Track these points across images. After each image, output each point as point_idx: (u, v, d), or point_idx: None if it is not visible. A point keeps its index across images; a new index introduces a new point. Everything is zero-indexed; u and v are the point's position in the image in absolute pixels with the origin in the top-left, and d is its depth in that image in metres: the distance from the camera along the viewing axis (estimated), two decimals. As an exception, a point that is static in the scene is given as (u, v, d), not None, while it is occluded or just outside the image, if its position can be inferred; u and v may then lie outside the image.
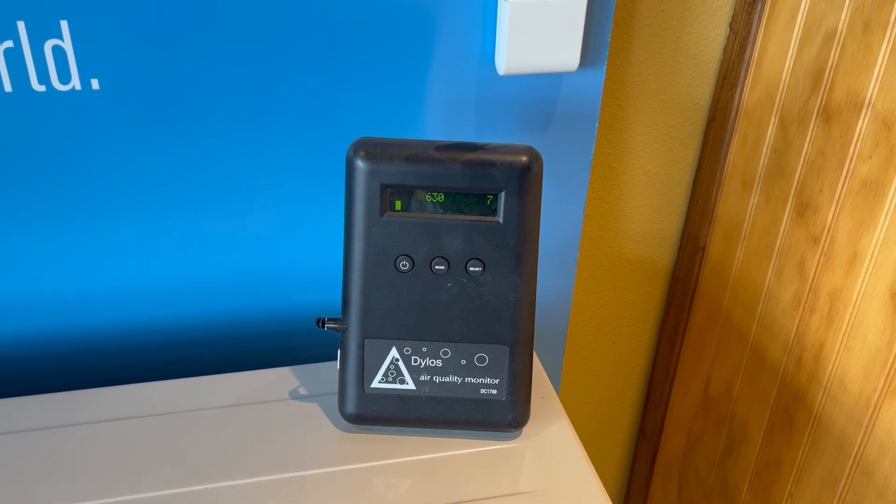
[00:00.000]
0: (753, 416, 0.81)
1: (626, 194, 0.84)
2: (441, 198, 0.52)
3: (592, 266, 0.87)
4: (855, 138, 0.64)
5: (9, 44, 0.54)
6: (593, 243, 0.86)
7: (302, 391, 0.62)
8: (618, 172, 0.82)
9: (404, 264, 0.54)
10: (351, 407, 0.57)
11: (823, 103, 0.67)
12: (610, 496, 1.10)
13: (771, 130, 0.74)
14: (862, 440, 0.66)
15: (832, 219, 0.67)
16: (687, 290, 0.89)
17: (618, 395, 1.00)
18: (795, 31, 0.69)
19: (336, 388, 0.61)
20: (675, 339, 0.92)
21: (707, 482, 0.91)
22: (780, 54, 0.72)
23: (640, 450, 1.04)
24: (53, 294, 0.65)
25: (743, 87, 0.76)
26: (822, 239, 0.69)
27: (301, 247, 0.68)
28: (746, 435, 0.82)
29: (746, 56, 0.75)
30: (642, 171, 0.82)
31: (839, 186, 0.66)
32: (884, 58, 0.60)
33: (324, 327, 0.56)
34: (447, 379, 0.56)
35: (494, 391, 0.56)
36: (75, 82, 0.56)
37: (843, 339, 0.67)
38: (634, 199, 0.84)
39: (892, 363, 0.62)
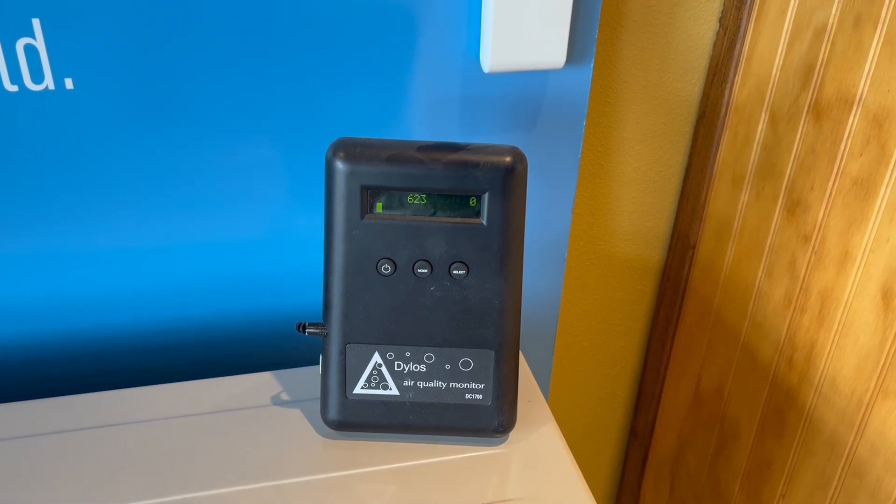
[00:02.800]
0: (745, 415, 0.80)
1: (615, 192, 0.83)
2: (423, 199, 0.51)
3: (582, 265, 0.87)
4: (845, 135, 0.63)
5: (-21, 43, 0.53)
6: (582, 242, 0.85)
7: (284, 397, 0.61)
8: (607, 170, 0.81)
9: (386, 268, 0.53)
10: (333, 413, 0.56)
11: (814, 100, 0.66)
12: (601, 496, 1.10)
13: (761, 127, 0.73)
14: (854, 441, 0.66)
15: (823, 217, 0.66)
16: (677, 288, 0.88)
17: (608, 395, 0.99)
18: (785, 27, 0.69)
19: (319, 393, 0.60)
20: (666, 339, 0.91)
21: (699, 482, 0.90)
22: (769, 50, 0.71)
23: (632, 450, 1.04)
24: (23, 299, 0.64)
25: (733, 84, 0.76)
26: (813, 237, 0.68)
27: (282, 249, 0.67)
28: (738, 435, 0.82)
29: (736, 52, 0.74)
30: (631, 168, 0.82)
31: (830, 184, 0.65)
32: (875, 53, 0.59)
33: (304, 332, 0.55)
34: (431, 384, 0.55)
35: (480, 396, 0.55)
36: (48, 82, 0.55)
37: (834, 339, 0.67)
38: (624, 198, 0.83)
39: (884, 363, 0.62)
